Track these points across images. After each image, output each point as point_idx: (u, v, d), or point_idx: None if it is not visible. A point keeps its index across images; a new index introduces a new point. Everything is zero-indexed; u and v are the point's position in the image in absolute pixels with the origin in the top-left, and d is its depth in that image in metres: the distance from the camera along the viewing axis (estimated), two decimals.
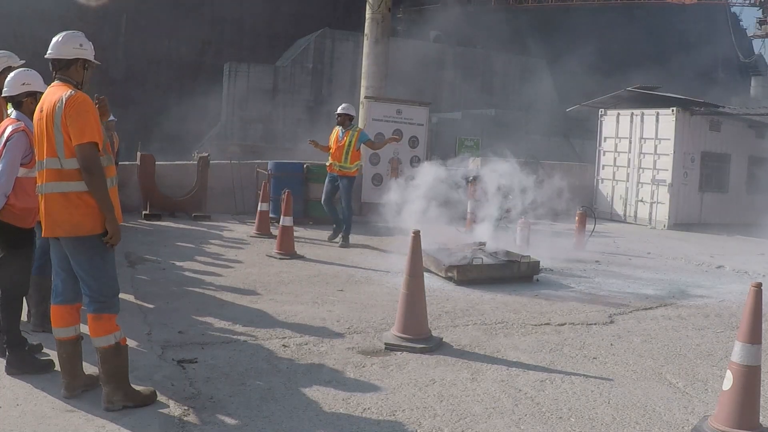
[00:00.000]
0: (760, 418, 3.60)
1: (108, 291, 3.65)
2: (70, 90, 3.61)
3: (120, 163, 10.45)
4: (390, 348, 4.84)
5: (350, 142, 9.43)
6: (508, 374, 4.44)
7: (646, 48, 37.52)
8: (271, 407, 3.72)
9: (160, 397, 3.76)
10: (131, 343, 4.70)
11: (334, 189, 9.71)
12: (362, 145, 9.61)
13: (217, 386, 3.98)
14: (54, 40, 3.77)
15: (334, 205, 9.86)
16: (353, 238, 9.73)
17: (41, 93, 4.20)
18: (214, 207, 12.22)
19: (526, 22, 34.49)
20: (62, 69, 3.73)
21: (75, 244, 3.60)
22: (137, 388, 3.72)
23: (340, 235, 9.61)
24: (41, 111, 3.67)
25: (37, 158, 3.72)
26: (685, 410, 3.96)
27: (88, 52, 3.79)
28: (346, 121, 9.57)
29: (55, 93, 3.66)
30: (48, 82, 4.39)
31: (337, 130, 9.63)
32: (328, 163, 9.71)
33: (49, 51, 3.75)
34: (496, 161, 9.92)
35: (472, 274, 7.25)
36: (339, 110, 9.64)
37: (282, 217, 8.71)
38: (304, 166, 12.03)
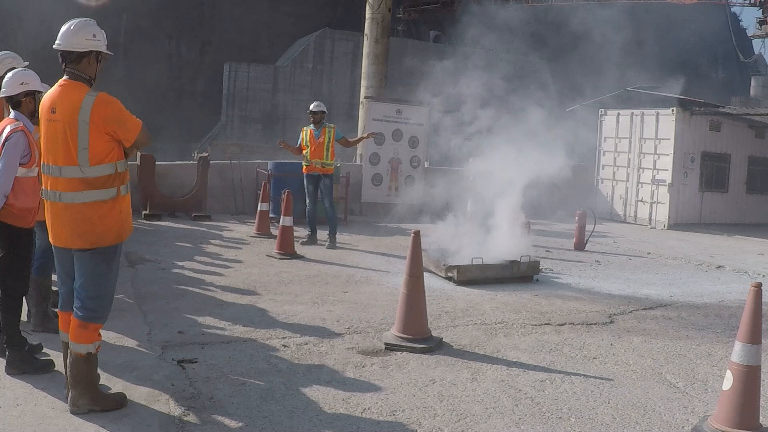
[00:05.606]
0: (760, 418, 3.60)
1: (102, 302, 3.51)
2: (89, 91, 3.38)
3: None
4: (390, 348, 4.83)
5: (329, 138, 9.35)
6: (508, 374, 4.44)
7: (645, 47, 37.49)
8: (271, 407, 3.72)
9: (160, 397, 3.75)
10: (131, 342, 4.71)
11: (317, 190, 9.54)
12: (337, 142, 9.52)
13: (217, 386, 3.97)
14: (64, 28, 3.43)
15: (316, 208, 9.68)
16: (353, 238, 9.72)
17: (39, 92, 4.18)
18: (214, 207, 12.23)
19: (525, 21, 34.50)
20: (73, 62, 3.42)
21: (90, 254, 3.44)
22: (113, 391, 3.69)
23: (326, 237, 9.43)
24: (53, 112, 3.38)
25: (43, 161, 3.51)
26: (685, 410, 3.96)
27: (101, 43, 3.49)
28: (322, 118, 9.48)
29: (70, 93, 3.39)
30: (47, 79, 4.34)
31: (310, 129, 9.47)
32: (306, 164, 9.48)
33: (58, 41, 3.41)
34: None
35: (472, 274, 7.25)
36: (314, 108, 9.45)
37: (282, 217, 8.71)
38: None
